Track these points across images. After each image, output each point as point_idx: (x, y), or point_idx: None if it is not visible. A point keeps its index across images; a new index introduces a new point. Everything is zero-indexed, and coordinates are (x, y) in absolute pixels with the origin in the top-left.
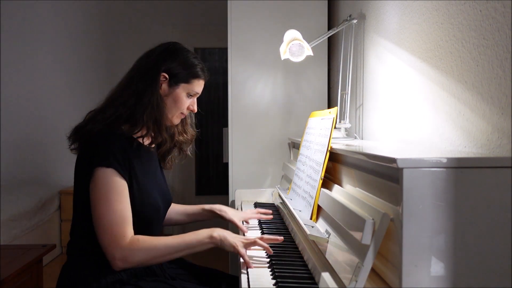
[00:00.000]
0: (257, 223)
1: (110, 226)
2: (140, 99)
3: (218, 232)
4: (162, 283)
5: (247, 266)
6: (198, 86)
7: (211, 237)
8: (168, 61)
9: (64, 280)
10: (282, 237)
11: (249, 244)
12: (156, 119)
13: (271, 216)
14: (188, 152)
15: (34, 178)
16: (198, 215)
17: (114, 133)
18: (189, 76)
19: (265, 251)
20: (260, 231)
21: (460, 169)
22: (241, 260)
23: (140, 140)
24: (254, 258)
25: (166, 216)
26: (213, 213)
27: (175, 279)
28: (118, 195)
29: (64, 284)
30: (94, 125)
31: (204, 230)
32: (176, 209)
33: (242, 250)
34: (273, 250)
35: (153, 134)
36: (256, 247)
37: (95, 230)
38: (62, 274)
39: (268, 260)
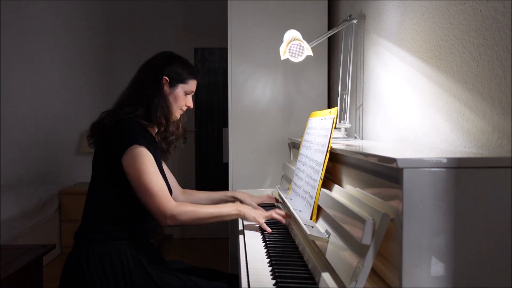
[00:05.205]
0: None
1: (158, 193)
2: (151, 100)
3: (243, 207)
4: (168, 274)
5: (266, 230)
6: (193, 85)
7: (238, 210)
8: (167, 67)
9: (76, 266)
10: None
11: (266, 216)
12: (166, 115)
13: (275, 201)
14: (182, 145)
15: (34, 178)
16: (221, 201)
17: (137, 121)
18: (184, 78)
19: (264, 249)
20: (260, 231)
21: (460, 169)
22: (241, 227)
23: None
24: (255, 256)
25: (193, 202)
26: (235, 198)
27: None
28: (155, 167)
29: (75, 269)
30: (112, 119)
31: (232, 204)
32: (201, 196)
33: (261, 220)
34: (273, 250)
35: (163, 129)
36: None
37: (141, 200)
38: (70, 260)
39: (268, 261)
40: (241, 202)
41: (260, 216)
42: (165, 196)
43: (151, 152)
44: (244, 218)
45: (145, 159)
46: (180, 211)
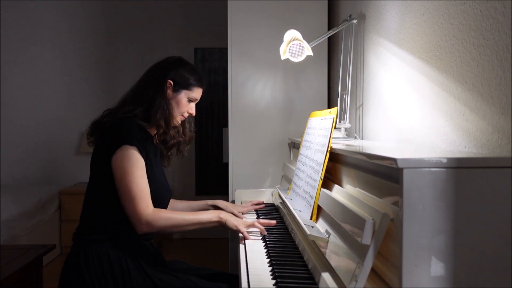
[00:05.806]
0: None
1: (136, 197)
2: (153, 101)
3: (224, 214)
4: (168, 275)
5: (246, 238)
6: (197, 93)
7: (219, 217)
8: (173, 71)
9: (75, 266)
10: (274, 221)
11: (248, 226)
12: (166, 118)
13: (263, 205)
14: (185, 153)
15: (34, 178)
16: (202, 209)
17: (134, 121)
18: (189, 84)
19: (265, 249)
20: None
21: (460, 169)
22: (240, 235)
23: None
24: (254, 258)
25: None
26: (216, 207)
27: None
28: (141, 171)
29: (74, 269)
30: (112, 118)
31: (213, 211)
32: (182, 205)
33: (243, 228)
34: (273, 250)
35: (161, 131)
36: (255, 229)
37: (121, 201)
38: (69, 261)
39: (268, 261)
40: (224, 210)
41: (242, 224)
42: (143, 201)
43: (145, 154)
44: (225, 225)
45: (132, 161)
46: (155, 217)
